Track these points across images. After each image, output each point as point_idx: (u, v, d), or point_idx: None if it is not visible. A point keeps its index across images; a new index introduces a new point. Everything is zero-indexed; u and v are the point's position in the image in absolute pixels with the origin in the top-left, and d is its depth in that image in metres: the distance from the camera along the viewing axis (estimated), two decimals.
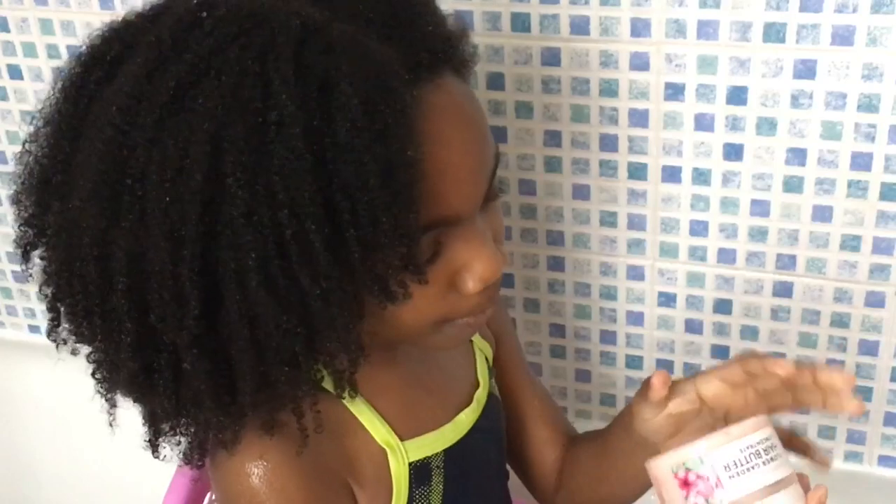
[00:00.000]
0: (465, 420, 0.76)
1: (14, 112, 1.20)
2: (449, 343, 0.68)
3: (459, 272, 0.61)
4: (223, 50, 0.54)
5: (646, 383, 0.72)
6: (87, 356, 0.61)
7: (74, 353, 0.62)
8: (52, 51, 1.14)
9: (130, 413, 0.63)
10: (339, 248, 0.53)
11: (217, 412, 0.58)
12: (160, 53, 0.55)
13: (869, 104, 0.89)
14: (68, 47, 1.13)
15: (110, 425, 0.63)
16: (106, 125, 0.54)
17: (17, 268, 1.34)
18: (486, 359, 0.82)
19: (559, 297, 1.09)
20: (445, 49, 0.61)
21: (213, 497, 0.89)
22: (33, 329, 1.38)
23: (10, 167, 1.24)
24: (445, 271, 0.61)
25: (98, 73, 0.57)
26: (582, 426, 1.15)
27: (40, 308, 1.35)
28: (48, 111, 0.60)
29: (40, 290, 0.61)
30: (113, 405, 0.62)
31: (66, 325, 0.60)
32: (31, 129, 0.62)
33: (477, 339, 0.81)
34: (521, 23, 0.94)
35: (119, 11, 1.07)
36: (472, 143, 0.61)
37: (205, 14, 0.55)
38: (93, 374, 0.61)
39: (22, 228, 0.61)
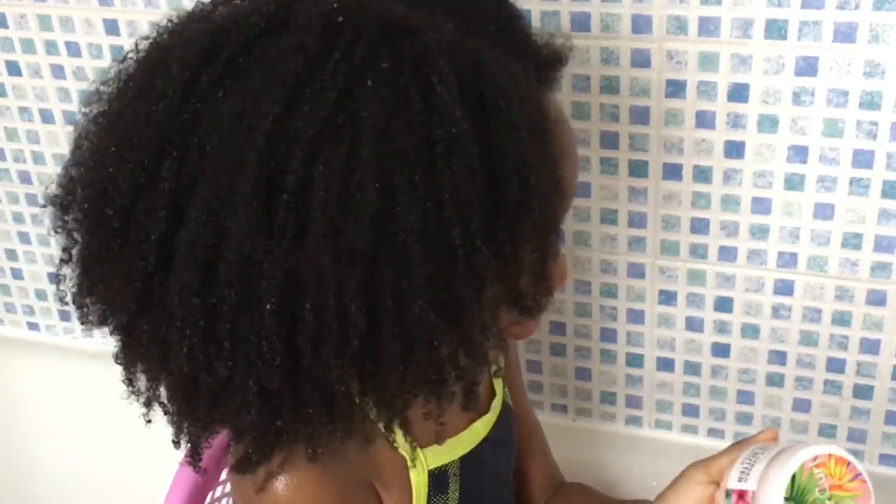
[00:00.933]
0: (480, 428, 0.76)
1: (13, 109, 1.20)
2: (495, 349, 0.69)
3: None
4: (375, 59, 0.51)
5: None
6: (176, 379, 0.56)
7: (132, 381, 0.59)
8: (51, 47, 1.14)
9: (131, 414, 0.62)
10: (498, 265, 0.53)
11: (338, 429, 0.56)
12: (307, 60, 0.51)
13: (871, 101, 0.88)
14: (67, 44, 1.13)
15: (195, 465, 0.61)
16: (255, 135, 0.50)
17: (16, 264, 1.34)
18: (499, 368, 0.81)
19: (559, 294, 1.08)
20: (554, 65, 0.62)
21: (219, 494, 0.89)
22: (32, 326, 1.38)
23: (9, 164, 1.24)
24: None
25: (211, 74, 0.53)
26: (582, 424, 1.16)
27: (39, 305, 1.35)
28: (125, 107, 0.55)
29: (76, 301, 0.57)
30: (192, 437, 0.59)
31: (166, 350, 0.54)
32: (91, 119, 0.57)
33: None
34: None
35: (117, 7, 1.07)
36: (577, 157, 0.63)
37: (342, 18, 0.52)
38: (181, 399, 0.57)
39: (92, 236, 0.56)
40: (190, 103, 0.53)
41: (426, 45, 0.52)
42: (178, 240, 0.52)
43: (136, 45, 0.58)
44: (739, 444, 0.68)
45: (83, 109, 0.58)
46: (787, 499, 0.62)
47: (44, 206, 0.61)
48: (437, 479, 0.71)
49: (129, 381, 0.59)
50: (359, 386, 0.54)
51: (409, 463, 0.69)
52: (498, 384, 0.80)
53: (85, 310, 0.58)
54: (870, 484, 0.66)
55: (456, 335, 0.53)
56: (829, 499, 0.64)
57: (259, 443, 0.58)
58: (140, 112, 0.54)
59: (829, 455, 0.64)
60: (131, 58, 0.58)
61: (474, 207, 0.51)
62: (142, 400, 0.59)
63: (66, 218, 0.58)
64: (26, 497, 1.47)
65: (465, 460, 0.73)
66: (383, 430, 0.62)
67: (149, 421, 0.60)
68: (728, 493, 0.66)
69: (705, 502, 0.67)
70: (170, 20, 0.58)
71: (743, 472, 0.65)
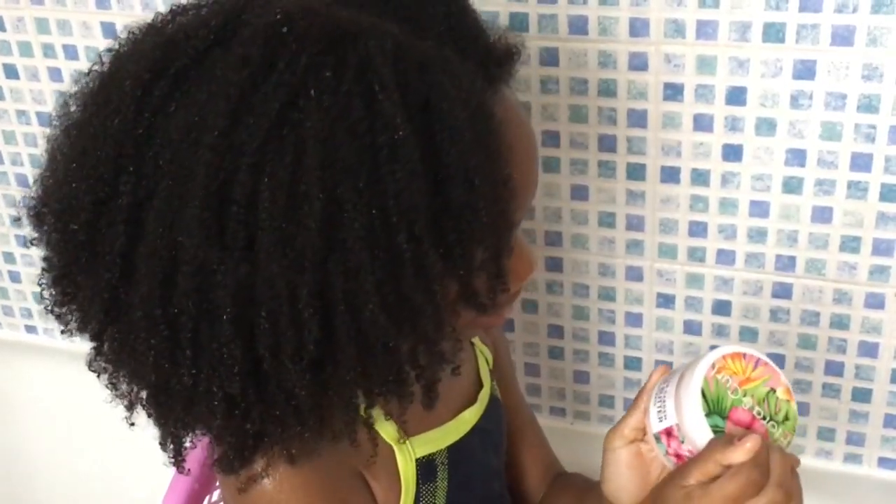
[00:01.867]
0: (468, 418, 0.77)
1: (10, 112, 1.20)
2: (464, 337, 0.69)
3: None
4: (317, 68, 0.51)
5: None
6: (148, 385, 0.57)
7: (114, 384, 0.59)
8: (48, 50, 1.14)
9: (135, 414, 0.62)
10: (446, 266, 0.53)
11: (305, 430, 0.57)
12: (250, 72, 0.52)
13: (869, 105, 0.88)
14: (64, 47, 1.13)
15: (178, 466, 0.61)
16: (200, 148, 0.51)
17: (13, 268, 1.34)
18: (487, 361, 0.82)
19: (557, 297, 1.08)
20: (506, 61, 0.61)
21: (216, 498, 0.89)
22: (30, 329, 1.38)
23: (6, 167, 1.24)
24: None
25: (162, 88, 0.53)
26: (581, 428, 1.15)
27: (37, 308, 1.35)
28: (84, 122, 0.56)
29: (55, 311, 0.58)
30: (174, 439, 0.60)
31: (135, 357, 0.55)
32: (50, 137, 0.58)
33: (478, 342, 0.82)
34: (519, 22, 0.94)
35: (115, 10, 1.07)
36: (534, 155, 0.62)
37: (286, 29, 0.53)
38: (156, 404, 0.58)
39: (60, 250, 0.57)
40: (143, 118, 0.53)
41: (369, 52, 0.52)
42: (137, 253, 0.53)
43: (100, 56, 0.59)
44: (638, 396, 0.71)
45: (54, 122, 0.59)
46: (708, 415, 0.64)
47: (18, 220, 0.62)
48: (426, 467, 0.72)
49: (113, 385, 0.60)
50: (319, 391, 0.55)
51: (395, 452, 0.70)
52: (485, 376, 0.81)
53: (63, 318, 0.59)
54: (773, 364, 0.68)
55: (411, 335, 0.55)
56: (745, 394, 0.66)
57: (236, 447, 0.59)
58: (98, 127, 0.55)
59: (724, 357, 0.66)
60: (96, 70, 0.58)
61: (419, 211, 0.51)
62: (124, 403, 0.60)
63: (43, 228, 0.58)
64: (25, 500, 1.47)
65: (452, 449, 0.74)
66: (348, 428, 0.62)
67: (132, 424, 0.61)
68: (657, 438, 0.67)
69: (636, 459, 0.70)
70: (130, 31, 0.59)
71: (659, 411, 0.67)
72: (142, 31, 0.58)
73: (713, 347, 1.04)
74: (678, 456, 0.66)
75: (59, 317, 0.59)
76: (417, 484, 0.71)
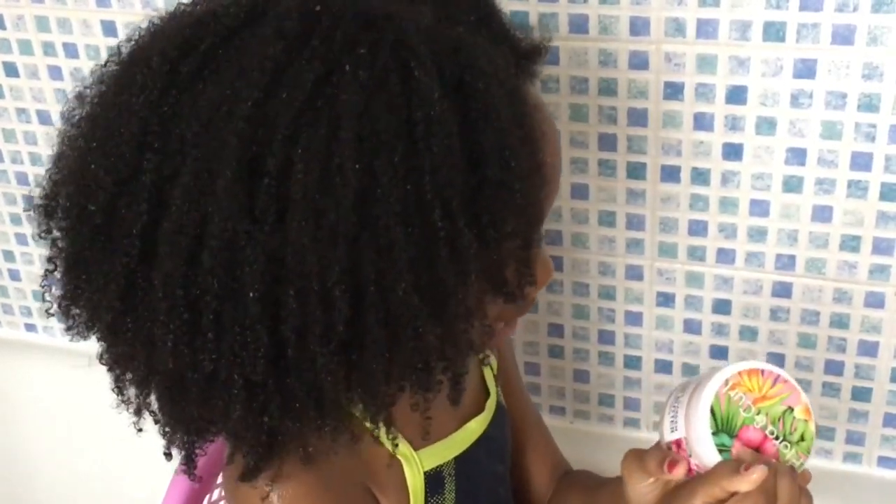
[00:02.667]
0: (474, 428, 0.76)
1: (10, 110, 1.20)
2: (484, 347, 0.69)
3: None
4: (354, 44, 0.51)
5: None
6: (164, 377, 0.55)
7: (114, 374, 0.58)
8: (48, 48, 1.14)
9: (129, 416, 0.62)
10: (480, 248, 0.52)
11: (327, 424, 0.56)
12: (286, 46, 0.51)
13: (869, 104, 0.88)
14: (64, 45, 1.13)
15: (190, 474, 0.60)
16: (235, 120, 0.50)
17: (13, 266, 1.34)
18: (491, 367, 0.82)
19: (557, 296, 1.08)
20: (533, 59, 0.61)
21: (216, 497, 0.89)
22: (29, 328, 1.38)
23: (6, 165, 1.24)
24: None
25: (191, 65, 0.52)
26: (580, 427, 1.15)
27: (36, 307, 1.35)
28: (106, 101, 0.55)
29: (68, 312, 0.57)
30: (185, 445, 0.59)
31: (155, 345, 0.53)
32: (69, 112, 0.57)
33: None
34: (519, 21, 0.94)
35: (115, 9, 1.07)
36: (559, 152, 0.62)
37: (319, 8, 0.53)
38: (170, 400, 0.56)
39: (74, 233, 0.55)
40: (170, 95, 0.52)
41: (404, 31, 0.52)
42: (161, 231, 0.52)
43: (119, 47, 0.58)
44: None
45: (65, 119, 0.58)
46: (715, 433, 0.62)
47: (27, 210, 0.61)
48: (433, 479, 0.71)
49: (119, 390, 0.59)
50: (344, 379, 0.53)
51: (390, 459, 0.69)
52: (491, 384, 0.80)
53: (71, 317, 0.58)
54: (794, 382, 0.65)
55: (440, 321, 0.53)
56: (759, 412, 0.64)
57: (252, 445, 0.58)
58: (121, 106, 0.54)
59: (740, 373, 0.64)
60: (113, 61, 0.58)
61: (455, 189, 0.50)
62: (132, 409, 0.59)
63: (50, 223, 0.57)
64: (25, 497, 1.47)
65: (459, 460, 0.73)
66: (370, 425, 0.60)
67: (140, 430, 0.60)
68: (669, 447, 0.66)
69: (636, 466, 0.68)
70: (151, 21, 0.58)
71: (672, 420, 0.66)
72: (163, 19, 0.58)
73: (713, 347, 1.04)
74: (688, 469, 0.65)
75: (66, 313, 0.58)
76: (426, 497, 0.70)
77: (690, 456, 0.64)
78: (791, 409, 0.64)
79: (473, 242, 0.51)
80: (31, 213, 0.59)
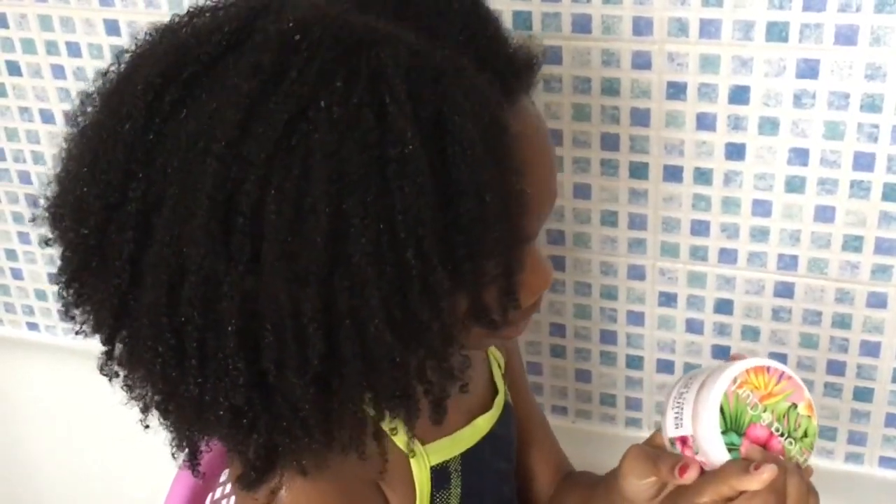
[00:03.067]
0: (482, 425, 0.76)
1: (13, 109, 1.20)
2: (480, 348, 0.70)
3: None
4: (329, 78, 0.50)
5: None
6: (149, 391, 0.57)
7: (128, 388, 0.59)
8: (51, 47, 1.14)
9: (131, 415, 0.62)
10: (454, 282, 0.52)
11: (312, 442, 0.56)
12: (261, 81, 0.51)
13: (872, 104, 0.88)
14: (67, 44, 1.13)
15: (193, 470, 0.61)
16: (208, 158, 0.50)
17: (16, 265, 1.34)
18: (499, 365, 0.82)
19: (559, 296, 1.08)
20: (526, 72, 0.61)
21: (219, 496, 0.89)
22: (31, 327, 1.38)
23: (9, 164, 1.24)
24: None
25: (173, 94, 0.53)
26: (582, 426, 1.15)
27: (39, 306, 1.35)
28: (100, 125, 0.55)
29: (69, 312, 0.58)
30: (189, 443, 0.59)
31: (143, 364, 0.55)
32: (67, 137, 0.57)
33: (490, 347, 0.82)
34: (522, 21, 0.94)
35: (118, 8, 1.07)
36: (551, 166, 0.61)
37: (299, 36, 0.52)
38: (161, 410, 0.58)
39: (68, 254, 0.56)
40: (154, 123, 0.53)
41: (382, 61, 0.51)
42: (145, 260, 0.53)
43: (118, 57, 0.58)
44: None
45: (72, 121, 0.58)
46: (724, 432, 0.62)
47: (32, 220, 0.62)
48: (439, 474, 0.72)
49: (129, 388, 0.59)
50: (325, 406, 0.54)
51: (410, 460, 0.69)
52: (500, 382, 0.81)
53: (77, 320, 0.59)
54: (798, 379, 0.65)
55: (418, 351, 0.54)
56: (765, 409, 0.64)
57: (250, 459, 0.58)
58: (109, 131, 0.54)
59: (747, 371, 0.64)
60: (113, 70, 0.58)
61: (428, 227, 0.50)
62: (139, 405, 0.59)
63: (61, 227, 0.58)
64: (25, 497, 1.47)
65: (465, 456, 0.74)
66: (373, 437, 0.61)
67: (146, 426, 0.60)
68: (672, 442, 0.66)
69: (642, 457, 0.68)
70: (148, 33, 0.58)
71: (676, 416, 0.66)
72: (159, 32, 0.57)
73: (715, 347, 1.04)
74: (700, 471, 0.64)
75: (73, 318, 0.59)
76: (432, 492, 0.71)
77: (697, 453, 0.64)
78: (795, 406, 0.65)
79: (446, 278, 0.51)
80: (35, 220, 0.60)
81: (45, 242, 0.59)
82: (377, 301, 0.50)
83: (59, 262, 0.58)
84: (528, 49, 0.62)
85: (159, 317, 0.52)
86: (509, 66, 0.59)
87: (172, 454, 0.61)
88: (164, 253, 0.52)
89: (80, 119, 0.58)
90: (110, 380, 0.59)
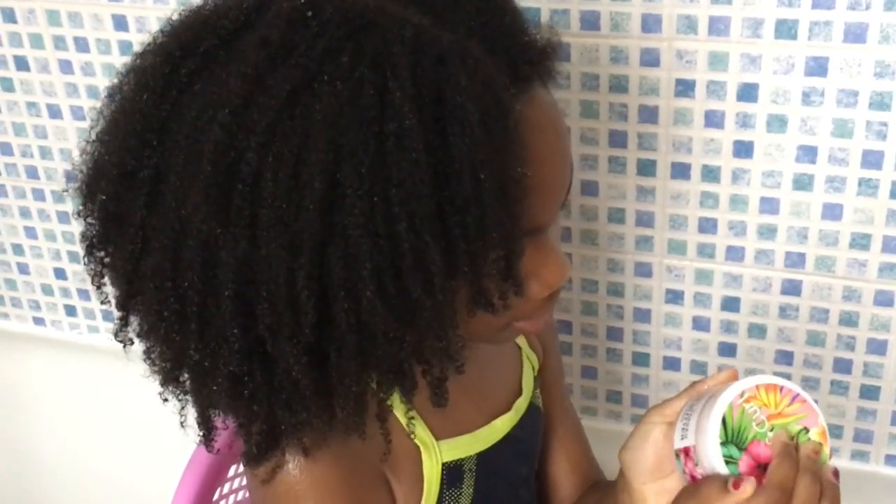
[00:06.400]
0: (500, 426, 0.75)
1: (20, 103, 1.20)
2: (499, 341, 0.69)
3: (528, 278, 0.60)
4: (335, 53, 0.52)
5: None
6: (156, 355, 0.59)
7: (147, 357, 0.60)
8: (59, 42, 1.14)
9: (136, 409, 0.62)
10: (449, 260, 0.53)
11: (311, 416, 0.57)
12: (268, 53, 0.52)
13: (881, 102, 0.88)
14: (75, 39, 1.13)
15: (182, 425, 0.62)
16: (213, 125, 0.52)
17: (22, 259, 1.34)
18: (533, 367, 0.81)
19: (566, 293, 1.08)
20: (541, 61, 0.61)
21: (227, 491, 0.89)
22: (38, 321, 1.38)
23: (16, 159, 1.24)
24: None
25: (190, 66, 0.54)
26: (587, 423, 1.15)
27: (45, 300, 1.35)
28: (123, 97, 0.57)
29: (94, 282, 0.59)
30: (183, 406, 0.61)
31: (149, 328, 0.57)
32: (95, 117, 0.59)
33: (525, 347, 0.81)
34: (531, 17, 0.94)
35: (126, 3, 1.07)
36: (562, 157, 0.61)
37: (311, 13, 0.53)
38: (163, 373, 0.59)
39: (90, 220, 0.59)
40: (170, 95, 0.55)
41: (388, 40, 0.52)
42: (150, 224, 0.55)
43: (154, 37, 0.60)
44: (693, 384, 0.68)
45: (104, 98, 0.60)
46: (724, 443, 0.61)
47: (65, 191, 0.63)
48: (452, 472, 0.71)
49: (150, 360, 0.60)
50: (320, 377, 0.55)
51: (422, 454, 0.69)
52: (527, 384, 0.79)
53: (100, 289, 0.61)
54: (813, 403, 0.63)
55: (413, 329, 0.54)
56: (772, 429, 0.62)
57: (253, 433, 0.59)
58: (130, 102, 0.56)
59: (757, 386, 0.62)
60: (149, 50, 0.59)
61: (422, 202, 0.51)
62: (160, 379, 0.60)
63: (83, 196, 0.60)
64: (30, 491, 1.47)
65: (482, 456, 0.73)
66: (376, 418, 0.62)
67: (165, 400, 0.61)
68: (677, 454, 0.65)
69: (661, 441, 0.68)
70: (179, 13, 0.59)
71: (683, 428, 0.65)
72: (185, 11, 0.59)
73: (722, 344, 1.04)
74: (693, 477, 0.64)
75: (98, 287, 0.61)
76: (441, 488, 0.70)
77: (697, 465, 0.63)
78: (806, 430, 0.62)
79: (439, 256, 0.52)
80: (67, 192, 0.62)
81: (77, 214, 0.60)
82: (369, 273, 0.51)
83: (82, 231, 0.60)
84: (544, 38, 0.62)
85: (163, 280, 0.54)
86: (522, 53, 0.59)
87: (181, 423, 0.62)
88: (169, 218, 0.53)
89: (115, 94, 0.60)
90: (124, 346, 0.61)
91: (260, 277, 0.52)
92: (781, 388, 0.62)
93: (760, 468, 0.61)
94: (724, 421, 0.61)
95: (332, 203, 0.51)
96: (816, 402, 0.63)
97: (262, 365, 0.55)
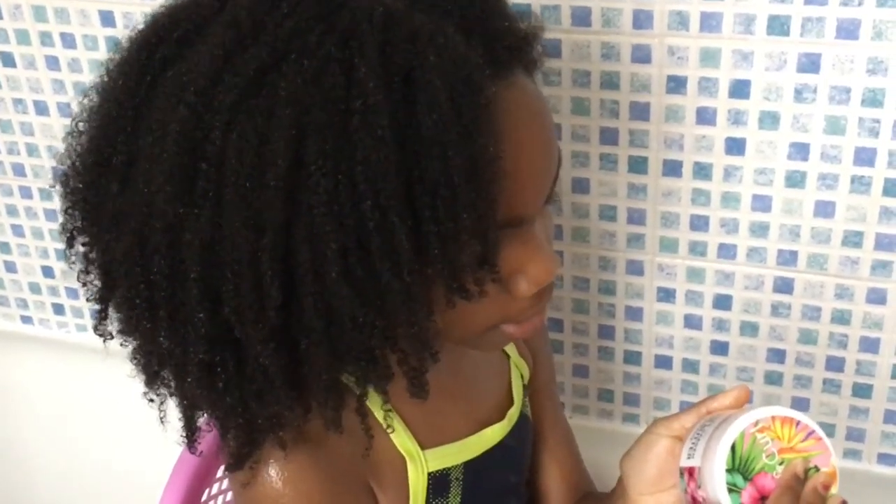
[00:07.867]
0: (491, 435, 0.74)
1: (7, 100, 1.19)
2: (487, 346, 0.68)
3: (514, 274, 0.59)
4: (303, 33, 0.51)
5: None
6: (136, 352, 0.58)
7: (123, 346, 0.60)
8: (46, 38, 1.13)
9: (125, 408, 0.61)
10: (419, 243, 0.52)
11: (283, 408, 0.56)
12: (237, 34, 0.52)
13: (873, 99, 0.88)
14: (62, 35, 1.12)
15: (161, 422, 0.62)
16: (179, 106, 0.52)
17: (9, 257, 1.33)
18: (522, 376, 0.80)
19: (557, 291, 1.08)
20: (520, 47, 0.60)
21: (216, 491, 0.89)
22: (25, 320, 1.37)
23: (3, 156, 1.23)
24: (501, 273, 0.58)
25: (164, 52, 0.54)
26: (579, 422, 1.15)
27: (32, 299, 1.34)
28: (104, 88, 0.57)
29: (80, 278, 0.59)
30: (162, 402, 0.60)
31: (123, 319, 0.57)
32: (82, 106, 0.59)
33: (515, 355, 0.80)
34: (520, 14, 0.93)
35: None
36: (543, 146, 0.59)
37: None
38: (146, 371, 0.59)
39: (69, 212, 0.58)
40: (145, 81, 0.55)
41: (357, 20, 0.52)
42: (121, 210, 0.54)
43: (133, 29, 0.60)
44: (704, 400, 0.67)
45: (88, 91, 0.60)
46: (730, 470, 0.59)
47: (53, 187, 0.64)
48: (438, 481, 0.70)
49: (134, 358, 0.60)
50: (288, 364, 0.54)
51: (407, 463, 0.68)
52: (518, 393, 0.78)
53: (84, 282, 0.61)
54: (827, 441, 0.62)
55: (382, 314, 0.53)
56: (781, 463, 0.60)
57: (229, 427, 0.59)
58: (108, 90, 0.57)
59: (773, 417, 0.61)
60: (129, 41, 0.59)
61: (388, 180, 0.50)
62: (144, 379, 0.60)
63: (63, 185, 0.60)
64: (19, 490, 1.46)
65: (469, 466, 0.72)
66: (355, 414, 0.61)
67: (150, 400, 0.61)
68: (681, 472, 0.64)
69: (664, 455, 0.67)
70: (161, 6, 0.59)
71: (691, 447, 0.63)
72: (162, 5, 0.59)
73: (714, 342, 1.04)
74: (693, 499, 0.63)
75: (84, 285, 0.60)
76: (427, 498, 0.69)
77: (699, 487, 0.62)
78: (817, 469, 0.61)
79: (406, 237, 0.51)
80: (55, 185, 0.62)
81: (64, 211, 0.60)
82: (334, 253, 0.50)
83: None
84: (527, 27, 0.61)
85: (133, 266, 0.54)
86: (501, 38, 0.58)
87: (161, 419, 0.62)
88: (137, 202, 0.53)
89: (97, 87, 0.60)
90: (104, 341, 0.60)
91: (225, 259, 0.52)
92: (797, 423, 0.61)
93: (763, 501, 0.60)
94: (733, 447, 0.60)
95: (296, 181, 0.50)
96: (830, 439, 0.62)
97: (232, 353, 0.54)
